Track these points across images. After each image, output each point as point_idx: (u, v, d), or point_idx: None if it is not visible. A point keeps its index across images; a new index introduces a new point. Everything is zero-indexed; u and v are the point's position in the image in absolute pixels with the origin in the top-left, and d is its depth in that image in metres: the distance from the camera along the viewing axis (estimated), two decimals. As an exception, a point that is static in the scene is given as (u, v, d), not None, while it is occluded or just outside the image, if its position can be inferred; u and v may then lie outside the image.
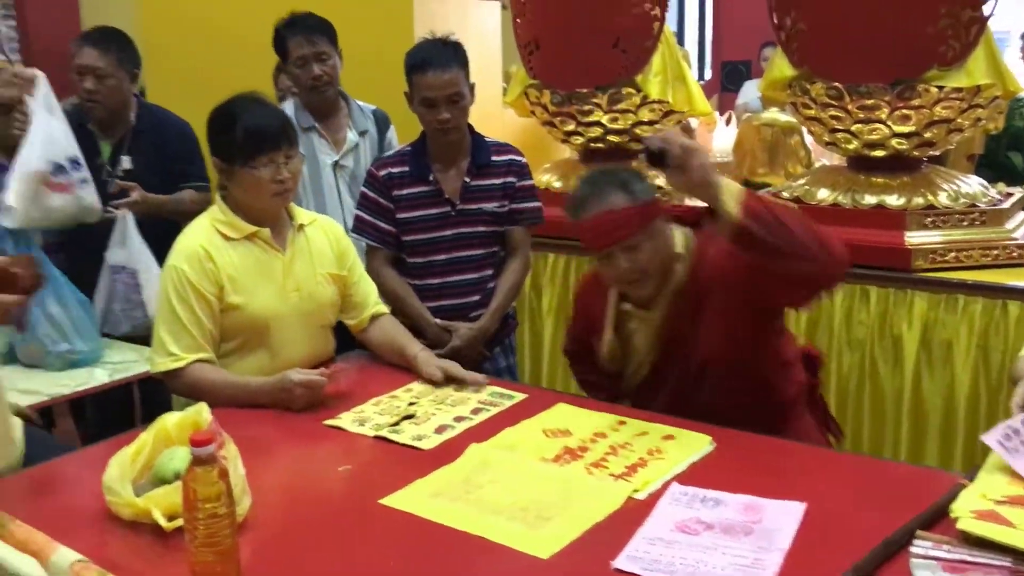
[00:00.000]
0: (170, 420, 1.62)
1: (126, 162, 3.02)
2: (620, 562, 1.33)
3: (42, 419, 3.01)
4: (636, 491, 1.56)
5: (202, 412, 1.63)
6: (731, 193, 1.73)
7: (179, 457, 1.52)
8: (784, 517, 1.44)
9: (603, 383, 2.20)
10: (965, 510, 1.34)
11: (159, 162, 3.04)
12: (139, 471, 1.55)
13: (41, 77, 2.68)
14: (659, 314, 1.99)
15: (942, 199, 3.01)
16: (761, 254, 1.74)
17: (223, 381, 2.05)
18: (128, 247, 2.86)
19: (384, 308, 2.39)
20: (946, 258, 2.92)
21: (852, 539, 1.37)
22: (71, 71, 2.95)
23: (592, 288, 2.15)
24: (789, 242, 1.71)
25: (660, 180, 3.08)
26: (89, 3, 8.15)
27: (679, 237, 1.99)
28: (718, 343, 1.92)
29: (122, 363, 2.68)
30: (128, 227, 2.87)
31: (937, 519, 1.38)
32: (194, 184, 3.10)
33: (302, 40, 2.91)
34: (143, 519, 1.45)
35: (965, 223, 2.99)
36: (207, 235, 2.11)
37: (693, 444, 1.74)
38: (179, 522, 1.39)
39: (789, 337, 2.12)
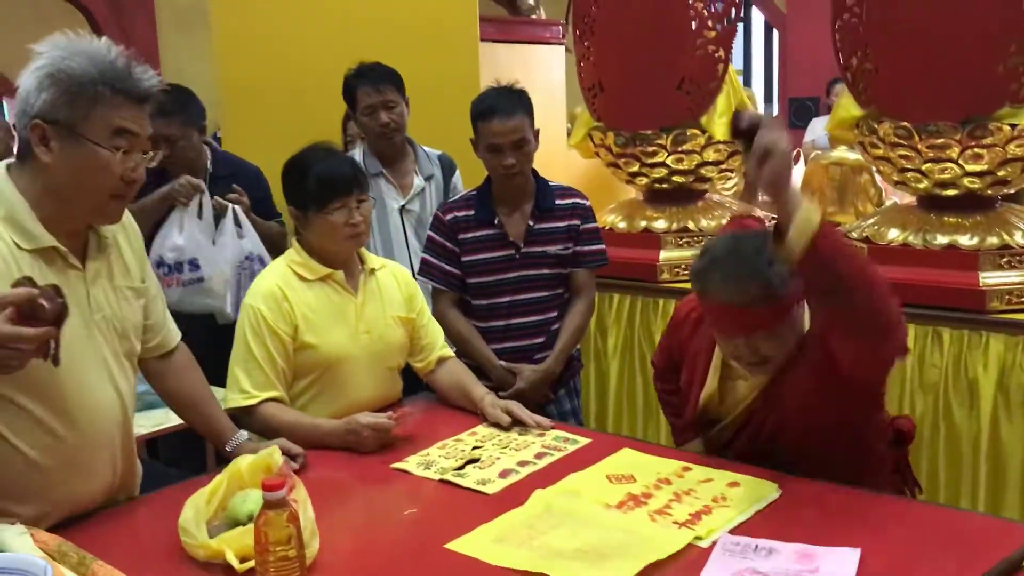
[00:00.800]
0: (243, 463, 1.67)
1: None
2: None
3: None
4: (699, 538, 1.55)
5: (273, 455, 1.68)
6: (803, 224, 1.50)
7: (252, 499, 1.56)
8: (840, 566, 1.42)
9: (680, 409, 2.15)
10: (1040, 565, 1.30)
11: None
12: (213, 512, 1.60)
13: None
14: (765, 379, 1.88)
15: (1018, 238, 2.93)
16: (813, 301, 1.66)
17: (294, 422, 2.09)
18: (249, 236, 3.10)
19: (450, 351, 2.42)
20: (1023, 299, 2.84)
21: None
22: None
23: (695, 322, 2.04)
24: (843, 309, 1.58)
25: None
26: (168, 50, 8.48)
27: (806, 312, 1.83)
28: (807, 404, 1.81)
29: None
30: (243, 218, 3.10)
31: (1010, 573, 1.34)
32: (276, 220, 3.29)
33: (370, 89, 3.00)
34: (216, 560, 1.49)
35: (1043, 263, 2.91)
36: (283, 276, 2.18)
37: (759, 491, 1.72)
38: (251, 564, 1.43)
39: (880, 416, 1.98)
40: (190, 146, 3.10)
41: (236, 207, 3.09)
